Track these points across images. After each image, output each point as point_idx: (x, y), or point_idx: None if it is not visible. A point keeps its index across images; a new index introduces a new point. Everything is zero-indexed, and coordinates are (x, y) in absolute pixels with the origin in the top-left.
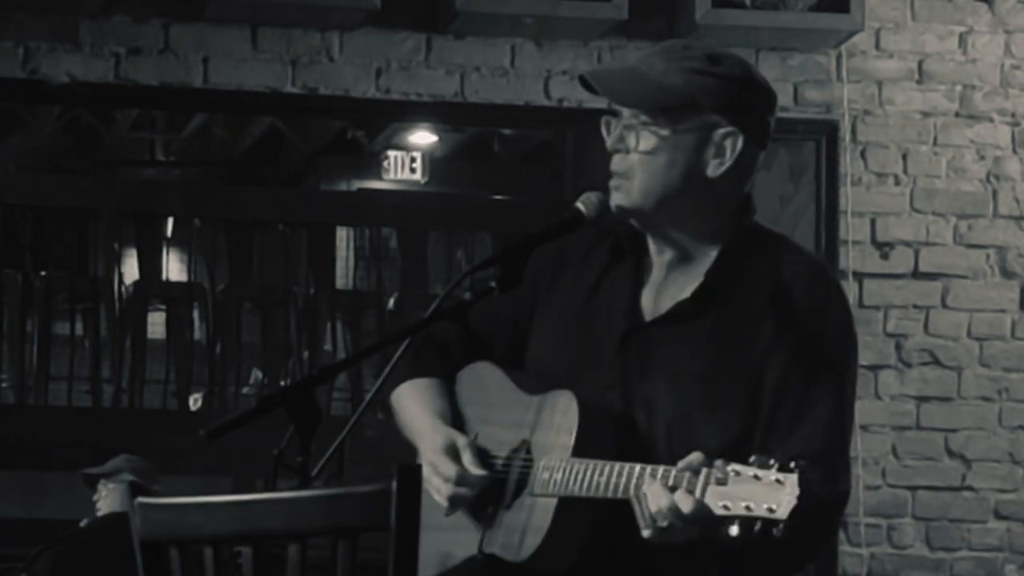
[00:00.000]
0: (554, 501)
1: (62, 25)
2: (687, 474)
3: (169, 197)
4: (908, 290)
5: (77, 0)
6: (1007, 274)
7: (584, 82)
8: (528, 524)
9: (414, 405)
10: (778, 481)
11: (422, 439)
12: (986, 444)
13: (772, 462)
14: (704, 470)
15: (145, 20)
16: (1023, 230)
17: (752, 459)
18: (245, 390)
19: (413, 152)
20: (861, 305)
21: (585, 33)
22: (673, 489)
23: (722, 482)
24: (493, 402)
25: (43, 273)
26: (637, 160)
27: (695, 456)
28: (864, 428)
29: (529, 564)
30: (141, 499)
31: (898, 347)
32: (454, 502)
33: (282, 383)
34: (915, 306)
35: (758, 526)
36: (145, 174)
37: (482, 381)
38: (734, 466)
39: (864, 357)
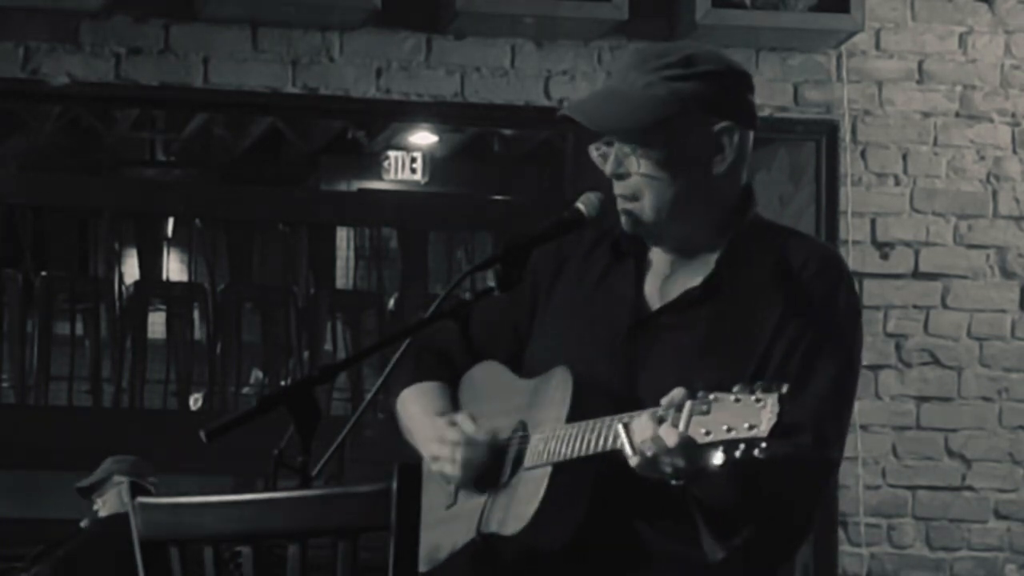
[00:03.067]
0: (548, 470)
1: (62, 25)
2: (671, 410)
3: (169, 197)
4: (908, 290)
5: (77, 0)
6: (1007, 274)
7: (568, 118)
8: (522, 497)
9: (415, 408)
10: (758, 400)
11: (422, 436)
12: (986, 444)
13: (754, 387)
14: (688, 403)
15: (145, 20)
16: (1023, 230)
17: (736, 388)
18: (245, 390)
19: (413, 152)
20: (861, 306)
21: (585, 33)
22: (660, 423)
23: (705, 412)
24: (491, 394)
25: (43, 273)
26: (641, 182)
27: (677, 391)
28: (864, 428)
29: (524, 536)
30: (141, 499)
31: (898, 347)
32: (466, 465)
33: (282, 383)
34: (915, 306)
35: (740, 449)
36: (145, 174)
37: (482, 378)
38: (716, 394)
39: (864, 357)
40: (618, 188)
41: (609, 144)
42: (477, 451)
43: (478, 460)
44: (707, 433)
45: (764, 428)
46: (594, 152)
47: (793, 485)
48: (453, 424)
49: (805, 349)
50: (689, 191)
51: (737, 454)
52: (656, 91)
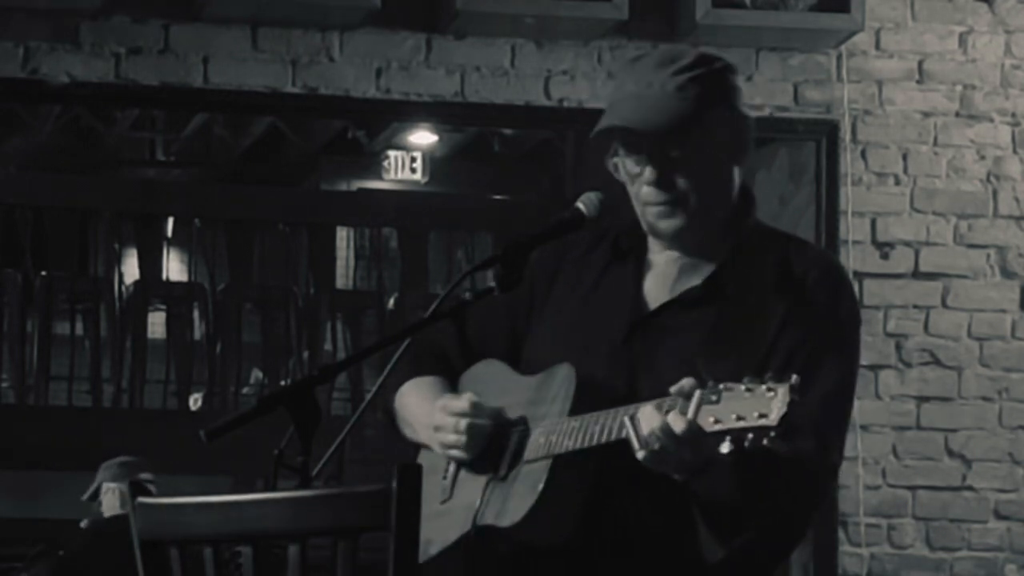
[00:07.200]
0: (548, 463)
1: (62, 25)
2: (680, 399)
3: (169, 197)
4: (908, 290)
5: (77, 0)
6: (1007, 274)
7: (602, 133)
8: (521, 489)
9: (413, 399)
10: (769, 389)
11: (421, 421)
12: (986, 444)
13: (765, 377)
14: (697, 392)
15: (145, 20)
16: (1023, 230)
17: (746, 379)
18: (245, 390)
19: (413, 152)
20: (861, 305)
21: (585, 33)
22: (667, 412)
23: (714, 401)
24: (492, 390)
25: (43, 273)
26: (686, 184)
27: (687, 381)
28: (864, 428)
29: (519, 530)
30: (141, 499)
31: (898, 347)
32: (472, 433)
33: (282, 383)
34: (915, 306)
35: (749, 438)
36: (145, 174)
37: (483, 374)
38: (727, 383)
39: (864, 357)
40: (658, 195)
41: (628, 153)
42: (482, 418)
43: (484, 428)
44: (716, 421)
45: (775, 417)
46: (612, 164)
47: (795, 489)
48: (453, 398)
49: (808, 355)
50: (732, 181)
51: (746, 443)
52: (689, 91)
